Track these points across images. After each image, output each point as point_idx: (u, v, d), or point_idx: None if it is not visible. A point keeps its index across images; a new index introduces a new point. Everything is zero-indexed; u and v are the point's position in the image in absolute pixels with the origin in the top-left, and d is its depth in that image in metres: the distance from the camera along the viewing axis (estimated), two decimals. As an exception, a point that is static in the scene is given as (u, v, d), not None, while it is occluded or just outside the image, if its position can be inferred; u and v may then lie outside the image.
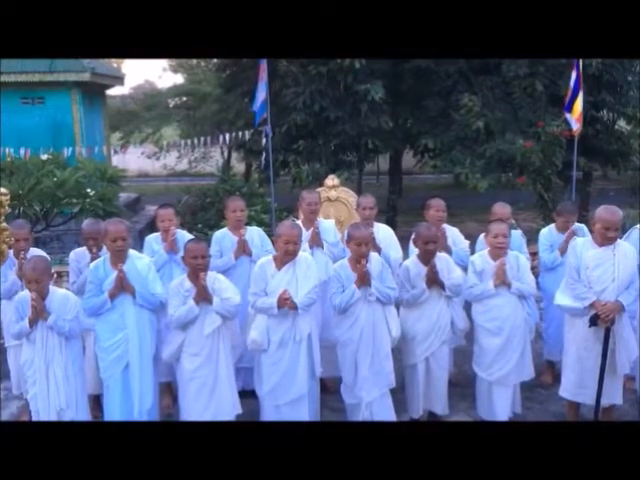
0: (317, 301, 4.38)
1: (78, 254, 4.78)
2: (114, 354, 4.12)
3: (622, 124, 12.91)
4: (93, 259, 4.44)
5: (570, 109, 7.03)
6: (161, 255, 4.89)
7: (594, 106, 10.10)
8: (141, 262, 4.22)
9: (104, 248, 4.45)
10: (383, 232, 5.28)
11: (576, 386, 4.32)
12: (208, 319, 4.07)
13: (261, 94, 7.45)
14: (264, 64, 7.36)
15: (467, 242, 5.28)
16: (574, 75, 6.97)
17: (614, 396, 4.29)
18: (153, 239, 5.09)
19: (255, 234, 5.20)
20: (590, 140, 9.98)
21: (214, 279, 4.15)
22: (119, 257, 4.10)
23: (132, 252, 4.26)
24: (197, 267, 4.04)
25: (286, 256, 4.13)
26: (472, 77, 9.92)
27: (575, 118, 7.00)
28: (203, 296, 4.04)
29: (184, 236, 4.93)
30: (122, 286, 4.06)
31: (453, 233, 5.22)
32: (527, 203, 11.01)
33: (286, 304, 4.05)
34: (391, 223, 10.63)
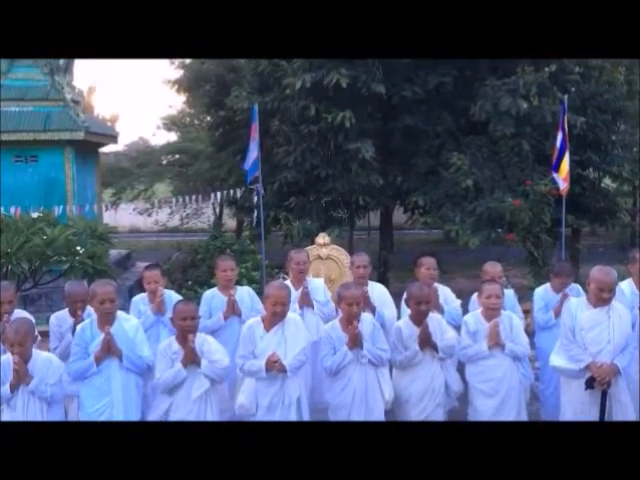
0: (307, 363, 4.29)
1: (59, 318, 4.68)
2: (99, 420, 3.97)
3: (608, 182, 13.15)
4: (77, 322, 4.35)
5: (557, 169, 7.15)
6: (148, 316, 4.81)
7: (580, 165, 10.28)
8: (129, 324, 4.14)
9: (87, 310, 4.37)
10: (377, 291, 5.24)
11: (574, 451, 4.20)
12: (196, 383, 3.97)
13: (253, 153, 7.55)
14: (256, 124, 7.49)
15: (459, 301, 5.25)
16: (560, 135, 7.12)
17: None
18: (140, 300, 5.02)
19: (245, 294, 5.15)
20: (577, 198, 10.12)
21: (203, 341, 4.07)
22: (107, 319, 4.02)
23: (120, 313, 4.19)
24: (186, 329, 3.97)
25: (274, 317, 4.07)
26: (460, 136, 10.12)
27: (562, 178, 7.11)
28: (191, 359, 3.95)
29: (171, 297, 4.87)
30: (109, 349, 3.97)
31: (444, 292, 5.20)
32: (517, 259, 11.07)
33: (275, 367, 3.96)
34: (383, 279, 10.60)
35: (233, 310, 4.95)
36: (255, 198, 8.18)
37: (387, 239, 12.79)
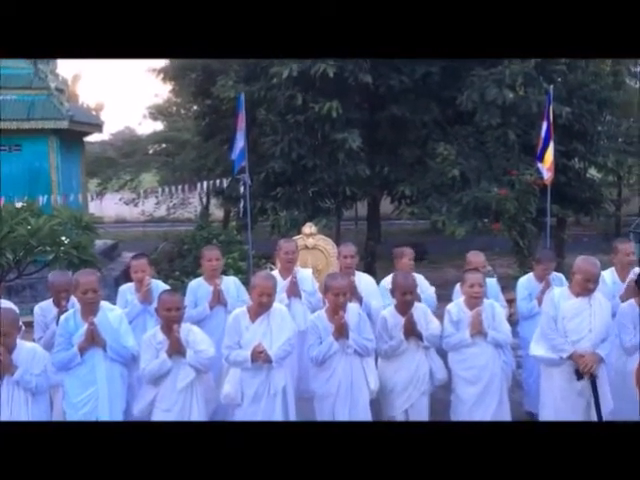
0: (292, 353, 4.31)
1: (43, 308, 4.65)
2: (83, 410, 3.98)
3: (593, 172, 13.27)
4: (61, 312, 4.33)
5: (542, 158, 7.19)
6: (135, 306, 4.80)
7: (565, 155, 10.35)
8: (113, 314, 4.13)
9: (71, 300, 4.36)
10: (364, 281, 5.27)
11: (555, 438, 4.27)
12: (181, 373, 3.97)
13: (240, 143, 7.51)
14: (242, 113, 7.45)
15: (433, 288, 5.33)
16: (545, 125, 7.16)
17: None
18: (127, 289, 5.00)
19: (231, 284, 5.15)
20: (563, 188, 10.19)
21: (188, 331, 4.07)
22: (90, 309, 4.01)
23: (104, 304, 4.17)
24: (171, 319, 3.96)
25: (260, 308, 4.07)
26: (447, 126, 10.15)
27: (547, 167, 7.15)
28: (176, 349, 3.95)
29: (159, 286, 4.86)
30: (93, 339, 3.96)
31: (419, 280, 5.24)
32: (503, 249, 11.15)
33: (260, 357, 3.97)
34: (370, 269, 10.64)
35: (219, 300, 4.95)
36: (242, 188, 8.15)
37: (374, 229, 12.83)
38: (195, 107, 15.36)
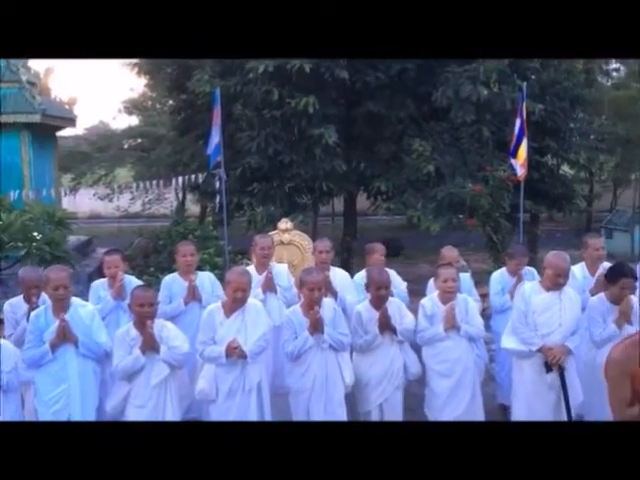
0: (267, 348, 4.32)
1: (13, 305, 4.58)
2: (54, 407, 3.94)
3: (566, 169, 13.48)
4: (31, 309, 4.27)
5: (515, 155, 7.27)
6: (108, 302, 4.76)
7: (538, 152, 10.50)
8: (84, 310, 4.09)
9: (42, 297, 4.30)
10: (339, 276, 5.29)
11: (526, 430, 4.34)
12: (155, 369, 3.95)
13: (215, 138, 7.47)
14: (218, 108, 7.41)
15: (405, 283, 5.37)
16: (518, 122, 7.24)
17: (564, 439, 4.33)
18: (100, 285, 4.95)
19: (206, 279, 5.13)
20: (536, 184, 10.34)
21: (162, 327, 4.05)
22: (61, 305, 3.96)
23: (75, 300, 4.12)
24: (144, 315, 3.93)
25: (235, 303, 4.06)
26: (422, 122, 10.21)
27: (520, 163, 7.23)
28: (150, 345, 3.92)
29: (132, 282, 4.82)
30: (64, 336, 3.92)
31: (391, 275, 5.28)
32: (478, 244, 11.28)
33: (235, 353, 3.97)
34: (346, 264, 10.67)
35: (193, 296, 4.93)
36: (217, 183, 8.10)
37: (351, 225, 12.87)
38: (170, 102, 15.20)
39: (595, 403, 4.15)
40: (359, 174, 10.47)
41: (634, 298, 4.41)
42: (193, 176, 9.84)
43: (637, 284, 4.45)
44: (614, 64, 16.15)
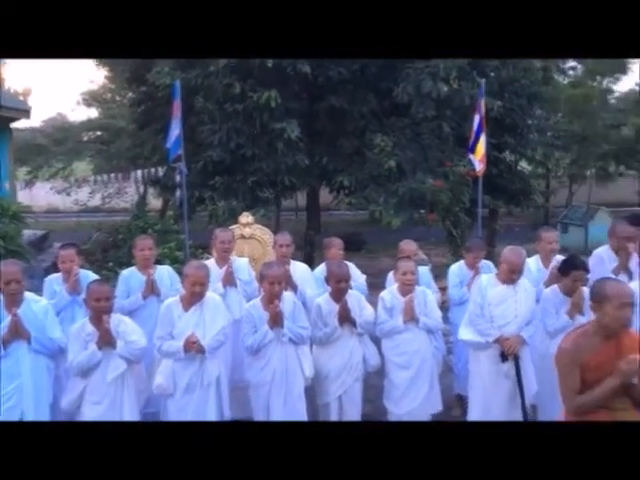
0: (227, 342, 4.30)
1: None
2: (7, 404, 3.83)
3: (524, 165, 13.77)
4: None
5: (473, 150, 7.37)
6: (63, 297, 4.66)
7: (497, 148, 10.69)
8: (38, 305, 3.99)
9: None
10: (300, 270, 5.30)
11: (482, 419, 4.43)
12: (112, 364, 3.89)
13: (175, 130, 7.35)
14: (178, 100, 7.30)
15: (364, 277, 5.42)
16: (477, 118, 7.34)
17: (518, 427, 4.44)
18: (54, 280, 4.84)
19: (165, 273, 5.07)
20: (495, 179, 10.53)
21: (119, 321, 3.99)
22: (13, 301, 3.86)
23: (28, 295, 4.02)
24: (100, 310, 3.87)
25: (193, 297, 4.03)
26: (383, 118, 10.27)
27: (478, 159, 7.33)
28: (106, 340, 3.86)
29: (87, 276, 4.73)
30: (16, 331, 3.82)
31: (350, 268, 5.32)
32: (438, 239, 11.43)
33: (193, 348, 3.94)
34: (309, 259, 10.68)
35: (152, 290, 4.87)
36: (178, 177, 8.00)
37: (314, 219, 12.88)
38: (130, 94, 14.93)
39: (548, 392, 4.26)
40: (321, 169, 10.48)
41: (585, 290, 4.54)
42: (153, 169, 9.69)
43: (588, 276, 4.58)
44: (571, 62, 16.54)
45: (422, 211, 9.71)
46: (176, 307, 4.08)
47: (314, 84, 10.20)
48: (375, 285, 5.78)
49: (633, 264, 5.09)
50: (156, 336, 4.08)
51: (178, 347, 3.95)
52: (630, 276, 4.95)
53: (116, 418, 3.88)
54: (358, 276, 5.37)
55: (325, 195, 13.57)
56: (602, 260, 5.14)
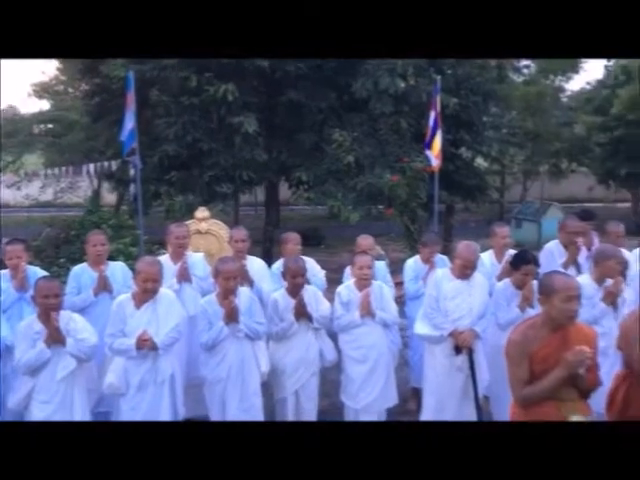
0: (181, 339, 4.24)
1: None
2: (-50, 407, 3.70)
3: (480, 161, 14.03)
4: None
5: (430, 146, 7.46)
6: (10, 294, 4.50)
7: (453, 144, 10.85)
8: (-17, 303, 3.85)
9: None
10: (256, 265, 5.27)
11: (436, 411, 4.50)
12: (61, 363, 3.79)
13: (129, 123, 7.19)
14: (132, 93, 7.13)
15: (323, 272, 5.43)
16: (432, 114, 7.43)
17: (471, 418, 4.50)
18: (1, 276, 4.68)
19: (118, 269, 4.96)
20: (451, 175, 10.69)
21: (68, 319, 3.88)
22: (-45, 298, 3.72)
23: (-28, 292, 3.88)
24: (49, 307, 3.75)
25: (145, 294, 3.96)
26: (342, 113, 10.29)
27: (434, 155, 7.42)
28: (55, 338, 3.75)
29: (36, 273, 4.59)
30: (-40, 330, 3.68)
31: (310, 263, 5.33)
32: (397, 234, 11.55)
33: (145, 345, 3.87)
34: (268, 254, 10.64)
35: (104, 287, 4.76)
36: (132, 171, 7.82)
37: (273, 214, 12.82)
38: (83, 86, 14.55)
39: (500, 383, 4.34)
40: (280, 164, 10.44)
41: (536, 283, 4.64)
42: (106, 163, 9.47)
43: (539, 270, 4.69)
44: (525, 61, 16.91)
45: (380, 206, 9.78)
46: (128, 304, 4.00)
47: (272, 78, 10.14)
48: (335, 280, 5.79)
49: (582, 258, 5.25)
50: (107, 334, 3.99)
51: (130, 345, 3.87)
52: (579, 270, 5.11)
53: (66, 418, 3.78)
54: (318, 271, 5.38)
55: (285, 190, 13.54)
56: (552, 254, 5.28)
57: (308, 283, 4.90)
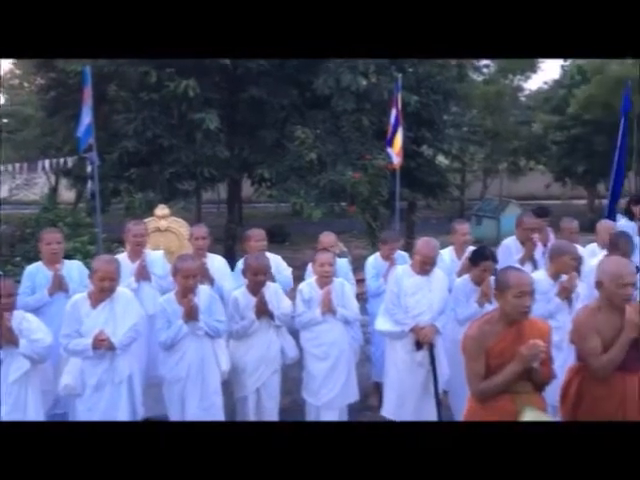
0: (140, 339, 4.17)
1: None
2: None
3: (441, 159, 14.22)
4: None
5: (391, 144, 7.51)
6: (-41, 294, 4.35)
7: (415, 142, 10.96)
8: None
9: None
10: (217, 263, 5.23)
11: (396, 406, 4.54)
12: (14, 364, 3.68)
13: (86, 118, 7.02)
14: (88, 87, 6.98)
15: (290, 269, 5.40)
16: (394, 112, 7.48)
17: (431, 413, 4.56)
18: (-48, 276, 4.52)
19: (74, 268, 4.86)
20: (413, 172, 10.80)
21: (21, 319, 3.77)
22: None
23: None
24: (1, 307, 3.64)
25: (102, 293, 3.88)
26: (305, 110, 10.27)
27: (396, 152, 7.47)
28: (7, 339, 3.64)
29: (-13, 273, 4.45)
30: None
31: (276, 261, 5.31)
32: (360, 231, 11.61)
33: (102, 345, 3.79)
34: (230, 252, 10.57)
35: (59, 286, 4.65)
36: (89, 168, 7.65)
37: (235, 212, 12.73)
38: (39, 80, 14.15)
39: (459, 377, 4.41)
40: (242, 160, 10.35)
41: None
42: (62, 160, 9.23)
43: (497, 266, 4.78)
44: (484, 60, 17.21)
45: (343, 203, 9.81)
46: (83, 304, 3.91)
47: (234, 75, 10.06)
48: (300, 278, 5.78)
49: (538, 254, 5.37)
50: (62, 334, 3.90)
51: (86, 345, 3.79)
52: (535, 265, 5.22)
53: (19, 420, 3.67)
54: (284, 269, 5.36)
55: (247, 187, 13.46)
56: (509, 250, 5.39)
57: (273, 281, 4.89)
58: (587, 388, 3.23)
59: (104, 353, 3.83)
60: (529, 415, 2.93)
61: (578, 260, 4.63)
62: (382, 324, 4.63)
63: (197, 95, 9.06)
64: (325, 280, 4.62)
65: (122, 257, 4.88)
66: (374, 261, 5.57)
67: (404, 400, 4.49)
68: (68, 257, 5.29)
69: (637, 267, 4.16)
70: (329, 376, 4.56)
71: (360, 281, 5.93)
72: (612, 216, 7.24)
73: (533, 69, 18.52)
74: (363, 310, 5.41)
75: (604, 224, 5.85)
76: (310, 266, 5.12)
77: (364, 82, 9.11)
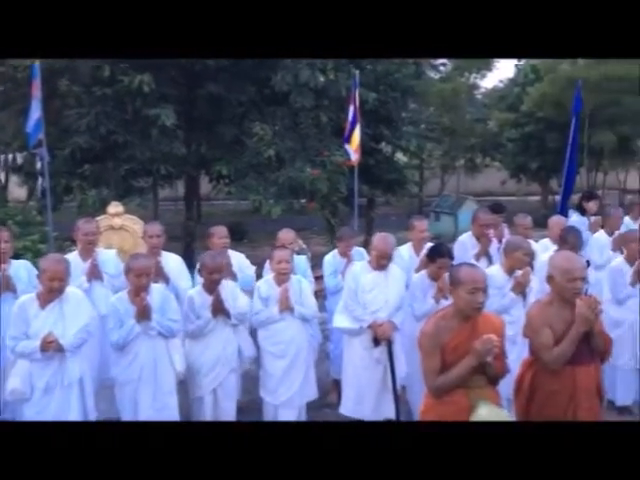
0: (91, 340, 4.05)
1: None
2: None
3: (400, 156, 14.33)
4: None
5: (349, 140, 7.52)
6: None
7: (373, 139, 11.00)
8: None
9: None
10: (172, 262, 5.12)
11: (354, 403, 4.55)
12: (-44, 369, 3.53)
13: (35, 113, 6.80)
14: (37, 81, 6.76)
15: (253, 267, 5.34)
16: (351, 109, 7.49)
17: (389, 409, 4.58)
18: None
19: (22, 268, 4.68)
20: (372, 169, 10.85)
21: (-35, 322, 3.62)
22: None
23: None
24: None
25: (50, 293, 3.75)
26: (263, 106, 10.19)
27: (353, 149, 7.49)
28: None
29: None
30: None
31: (238, 259, 5.25)
32: (321, 227, 11.61)
33: (51, 347, 3.67)
34: (189, 249, 10.41)
35: (7, 287, 4.47)
36: (39, 164, 7.42)
37: (193, 209, 12.57)
38: None
39: (416, 373, 4.43)
40: (200, 157, 10.20)
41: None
42: (11, 156, 8.93)
43: (454, 262, 4.83)
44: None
45: (302, 200, 9.78)
46: (31, 304, 3.78)
47: (192, 71, 9.89)
48: (259, 275, 5.73)
49: (493, 249, 5.45)
50: (9, 336, 3.75)
51: (34, 347, 3.66)
52: (490, 261, 5.30)
53: (-37, 428, 3.52)
54: (246, 267, 5.30)
55: (205, 184, 13.29)
56: (465, 246, 5.45)
57: (235, 279, 4.82)
58: (540, 381, 3.28)
59: (53, 355, 3.70)
60: (483, 409, 2.96)
61: (531, 255, 4.71)
62: (340, 321, 4.63)
63: (152, 90, 8.87)
64: (282, 277, 4.58)
65: (73, 256, 4.74)
66: (332, 258, 5.56)
67: (362, 397, 4.49)
68: (18, 256, 5.11)
69: (587, 261, 4.26)
70: (287, 374, 4.53)
71: (319, 278, 5.92)
72: (564, 212, 7.41)
73: (488, 67, 18.85)
74: (322, 307, 5.40)
75: (556, 220, 5.98)
76: (268, 263, 5.07)
77: (322, 79, 9.08)
